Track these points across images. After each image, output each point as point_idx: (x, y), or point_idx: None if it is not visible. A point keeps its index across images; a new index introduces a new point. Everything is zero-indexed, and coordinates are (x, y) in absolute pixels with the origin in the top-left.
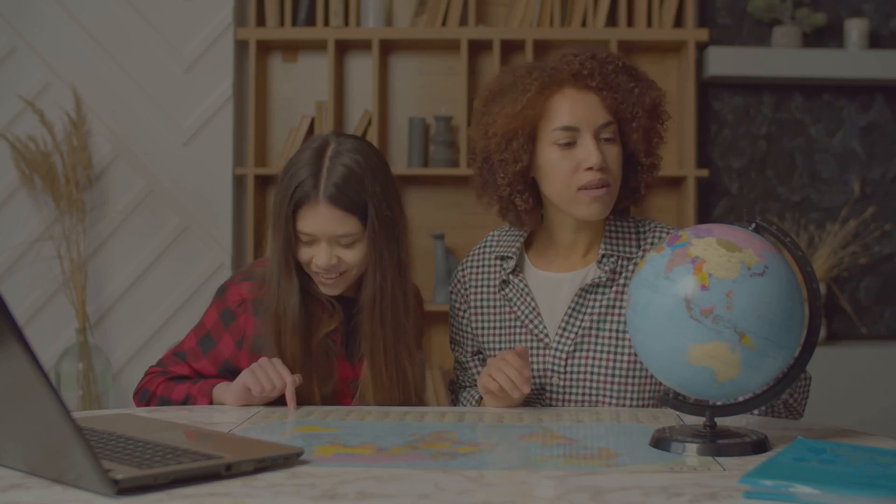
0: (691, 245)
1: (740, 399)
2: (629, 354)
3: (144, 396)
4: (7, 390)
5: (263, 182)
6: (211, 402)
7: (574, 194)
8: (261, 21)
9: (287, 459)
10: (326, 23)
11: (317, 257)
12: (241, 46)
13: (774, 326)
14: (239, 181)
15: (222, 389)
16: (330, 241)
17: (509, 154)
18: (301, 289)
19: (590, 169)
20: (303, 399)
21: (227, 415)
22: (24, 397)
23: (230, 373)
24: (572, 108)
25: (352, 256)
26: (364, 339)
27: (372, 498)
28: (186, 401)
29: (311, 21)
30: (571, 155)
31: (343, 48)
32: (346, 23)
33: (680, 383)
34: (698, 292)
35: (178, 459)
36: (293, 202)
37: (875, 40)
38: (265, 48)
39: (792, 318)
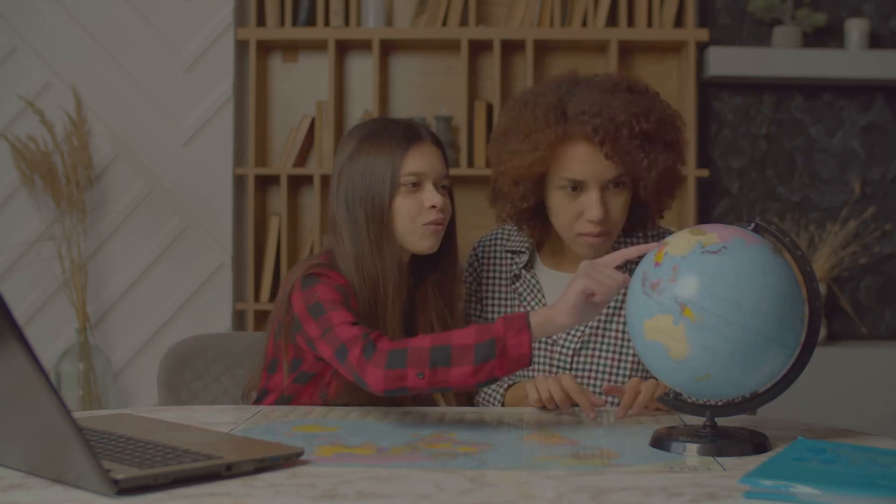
0: (670, 235)
1: (739, 398)
2: (633, 354)
3: (400, 359)
4: (7, 390)
5: (263, 182)
6: (531, 345)
7: (574, 236)
8: (261, 21)
9: (287, 459)
10: (327, 23)
11: (427, 198)
12: (241, 46)
13: (728, 303)
14: (239, 181)
15: (545, 315)
16: (434, 183)
17: (517, 193)
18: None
19: (591, 220)
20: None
21: (226, 415)
22: (24, 397)
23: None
24: (581, 163)
25: (447, 203)
26: (445, 295)
27: (372, 498)
28: (493, 348)
29: (311, 21)
30: (576, 203)
31: (343, 48)
32: (347, 23)
33: (644, 361)
34: (651, 269)
35: (179, 459)
36: (397, 154)
37: (875, 40)
38: (265, 48)
39: (758, 300)
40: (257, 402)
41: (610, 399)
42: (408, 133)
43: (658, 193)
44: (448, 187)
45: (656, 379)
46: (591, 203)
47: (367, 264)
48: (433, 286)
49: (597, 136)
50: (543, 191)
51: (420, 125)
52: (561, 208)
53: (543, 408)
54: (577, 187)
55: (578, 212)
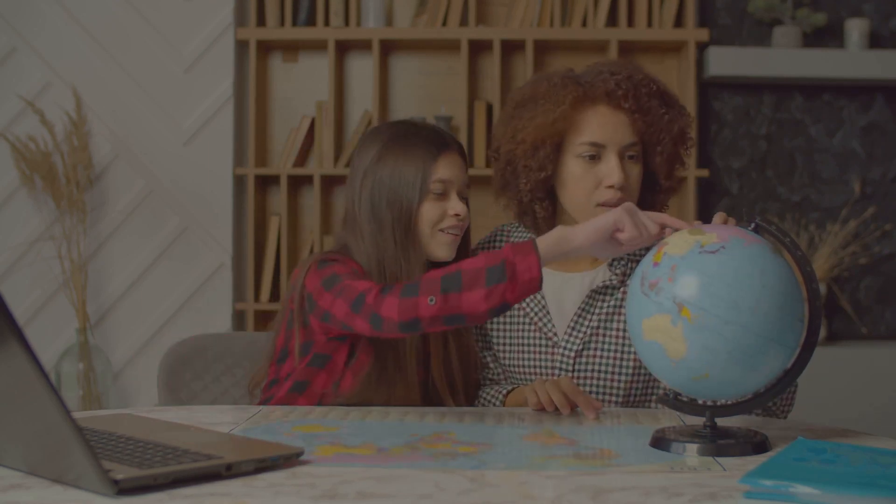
0: (670, 234)
1: (740, 398)
2: (635, 354)
3: (414, 289)
4: (7, 390)
5: (263, 182)
6: (539, 268)
7: (592, 209)
8: (261, 21)
9: (287, 459)
10: (327, 23)
11: (451, 207)
12: (241, 46)
13: (727, 303)
14: (239, 181)
15: (557, 236)
16: (458, 192)
17: (535, 162)
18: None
19: (611, 187)
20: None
21: (226, 415)
22: (24, 397)
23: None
24: (601, 126)
25: (467, 210)
26: None
27: (372, 498)
28: (503, 271)
29: (311, 21)
30: (594, 170)
31: (343, 48)
32: (347, 23)
33: (643, 361)
34: (650, 269)
35: (179, 459)
36: (426, 162)
37: (875, 40)
38: (265, 48)
39: (757, 300)
40: (267, 395)
41: (613, 399)
42: (437, 140)
43: (671, 162)
44: (466, 197)
45: (657, 379)
46: (610, 169)
47: (390, 265)
48: None
49: (619, 90)
50: (558, 163)
51: (446, 132)
52: (578, 179)
53: (543, 411)
54: (596, 155)
55: (597, 180)
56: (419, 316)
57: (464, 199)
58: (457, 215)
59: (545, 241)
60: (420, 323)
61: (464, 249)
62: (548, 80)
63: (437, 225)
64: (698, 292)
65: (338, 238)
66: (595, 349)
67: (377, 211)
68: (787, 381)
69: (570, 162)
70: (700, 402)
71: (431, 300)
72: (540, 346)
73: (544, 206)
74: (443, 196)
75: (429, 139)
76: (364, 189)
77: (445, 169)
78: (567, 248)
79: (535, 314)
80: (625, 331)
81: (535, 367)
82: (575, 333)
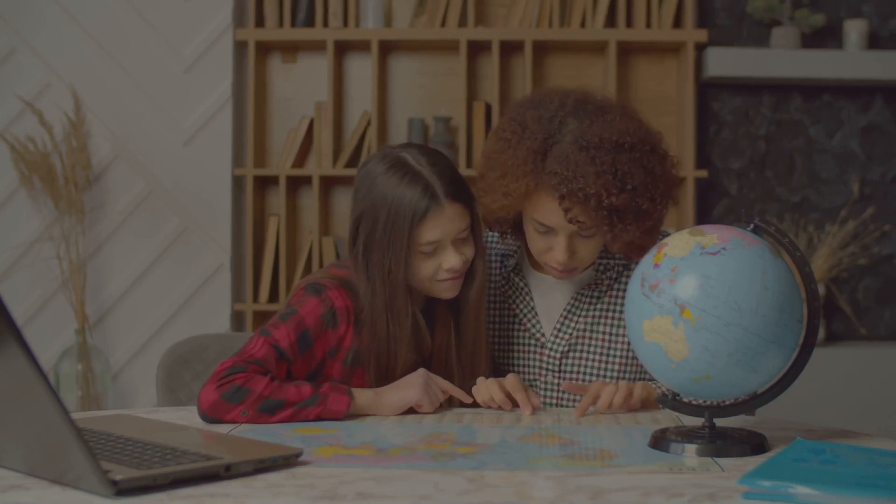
0: (668, 236)
1: (740, 399)
2: (621, 356)
3: (239, 397)
4: (7, 391)
5: (263, 182)
6: (348, 407)
7: (543, 263)
8: (260, 22)
9: (287, 460)
10: (326, 23)
11: (446, 261)
12: (240, 47)
13: (727, 305)
14: (238, 181)
15: (372, 399)
16: (454, 241)
17: (493, 219)
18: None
19: (556, 259)
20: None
21: None
22: (24, 398)
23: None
24: (551, 213)
25: (469, 250)
26: (469, 334)
27: (372, 498)
28: (314, 400)
29: (310, 22)
30: (546, 238)
31: (342, 49)
32: (346, 23)
33: (643, 362)
34: (650, 270)
35: (178, 460)
36: (413, 223)
37: (874, 41)
38: (264, 49)
39: (758, 301)
40: None
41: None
42: (423, 197)
43: (639, 245)
44: (473, 227)
45: (651, 379)
46: (557, 248)
47: (379, 319)
48: (479, 308)
49: (564, 202)
50: (519, 216)
51: (437, 181)
52: (532, 238)
53: (489, 408)
54: (547, 231)
55: (547, 246)
56: (224, 419)
57: (463, 239)
58: (451, 269)
59: (360, 399)
60: (220, 421)
61: (470, 279)
62: (515, 150)
63: (434, 277)
64: (699, 294)
65: (347, 254)
66: (581, 351)
67: (368, 265)
68: (786, 381)
69: (528, 221)
70: (697, 401)
71: (244, 413)
72: (528, 346)
73: (516, 239)
74: (434, 253)
75: (416, 195)
76: (360, 233)
77: (432, 230)
78: (374, 412)
79: (524, 315)
80: (611, 334)
81: (523, 366)
82: (561, 335)
